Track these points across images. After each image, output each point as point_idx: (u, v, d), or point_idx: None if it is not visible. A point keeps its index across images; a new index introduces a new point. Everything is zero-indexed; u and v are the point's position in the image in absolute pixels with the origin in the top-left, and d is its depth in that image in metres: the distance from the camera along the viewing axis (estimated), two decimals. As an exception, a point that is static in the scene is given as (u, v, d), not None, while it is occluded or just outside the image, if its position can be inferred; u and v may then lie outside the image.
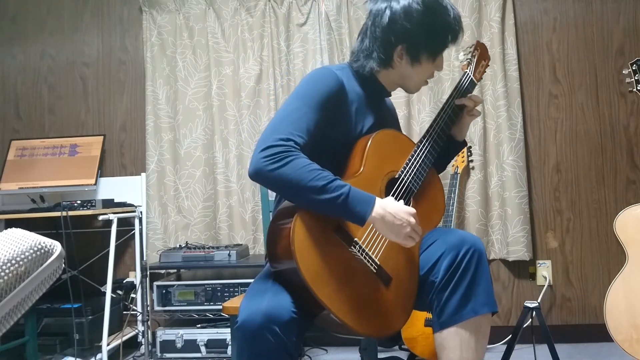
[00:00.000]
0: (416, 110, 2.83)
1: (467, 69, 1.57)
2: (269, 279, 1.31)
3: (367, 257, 1.28)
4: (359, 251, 1.28)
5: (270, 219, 1.38)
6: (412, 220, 1.25)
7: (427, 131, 1.47)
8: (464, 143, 1.62)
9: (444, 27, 1.40)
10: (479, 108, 1.57)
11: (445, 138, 1.50)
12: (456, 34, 1.43)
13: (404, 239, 1.25)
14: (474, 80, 1.56)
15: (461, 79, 1.55)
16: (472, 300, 1.25)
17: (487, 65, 1.63)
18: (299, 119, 1.28)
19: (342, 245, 1.26)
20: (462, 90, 1.53)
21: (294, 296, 1.22)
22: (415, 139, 1.51)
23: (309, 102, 1.31)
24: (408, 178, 1.39)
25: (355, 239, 1.28)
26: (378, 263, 1.30)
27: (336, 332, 1.30)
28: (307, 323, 1.24)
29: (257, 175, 1.22)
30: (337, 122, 1.38)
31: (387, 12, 1.37)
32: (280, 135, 1.23)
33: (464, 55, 1.59)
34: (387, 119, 1.55)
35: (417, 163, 1.42)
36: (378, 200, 1.25)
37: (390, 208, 1.24)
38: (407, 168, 1.41)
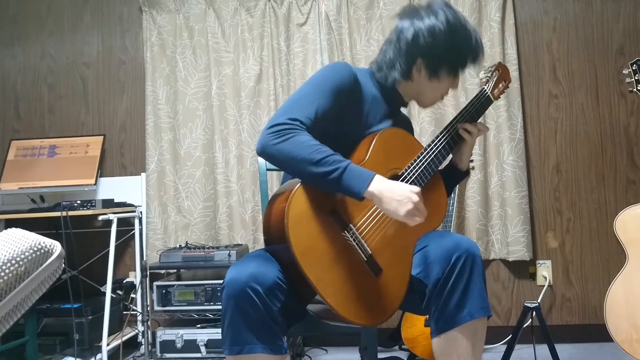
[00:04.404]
0: (416, 110, 2.83)
1: (486, 85, 1.60)
2: (262, 251, 1.37)
3: (359, 244, 1.30)
4: (351, 237, 1.29)
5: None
6: (415, 197, 1.24)
7: (441, 132, 1.50)
8: (467, 173, 1.62)
9: (466, 48, 1.46)
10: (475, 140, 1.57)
11: (458, 141, 1.52)
12: (477, 55, 1.49)
13: (406, 217, 1.24)
14: (491, 97, 1.59)
15: (478, 93, 1.58)
16: (468, 305, 1.26)
17: (507, 87, 1.67)
18: (309, 103, 1.34)
19: (336, 228, 1.28)
20: (479, 102, 1.57)
21: (283, 270, 1.25)
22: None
23: (321, 89, 1.36)
24: (412, 177, 1.40)
25: (350, 225, 1.30)
26: (369, 252, 1.31)
27: (323, 318, 1.31)
28: (294, 301, 1.26)
29: (263, 150, 1.28)
30: (347, 115, 1.42)
31: (411, 29, 1.44)
32: (288, 115, 1.30)
33: (484, 74, 1.64)
34: (402, 126, 1.56)
35: (423, 164, 1.43)
36: (378, 177, 1.26)
37: (390, 185, 1.25)
38: (412, 167, 1.42)
